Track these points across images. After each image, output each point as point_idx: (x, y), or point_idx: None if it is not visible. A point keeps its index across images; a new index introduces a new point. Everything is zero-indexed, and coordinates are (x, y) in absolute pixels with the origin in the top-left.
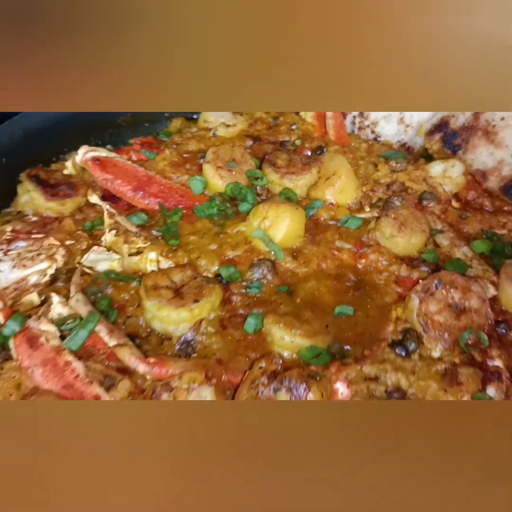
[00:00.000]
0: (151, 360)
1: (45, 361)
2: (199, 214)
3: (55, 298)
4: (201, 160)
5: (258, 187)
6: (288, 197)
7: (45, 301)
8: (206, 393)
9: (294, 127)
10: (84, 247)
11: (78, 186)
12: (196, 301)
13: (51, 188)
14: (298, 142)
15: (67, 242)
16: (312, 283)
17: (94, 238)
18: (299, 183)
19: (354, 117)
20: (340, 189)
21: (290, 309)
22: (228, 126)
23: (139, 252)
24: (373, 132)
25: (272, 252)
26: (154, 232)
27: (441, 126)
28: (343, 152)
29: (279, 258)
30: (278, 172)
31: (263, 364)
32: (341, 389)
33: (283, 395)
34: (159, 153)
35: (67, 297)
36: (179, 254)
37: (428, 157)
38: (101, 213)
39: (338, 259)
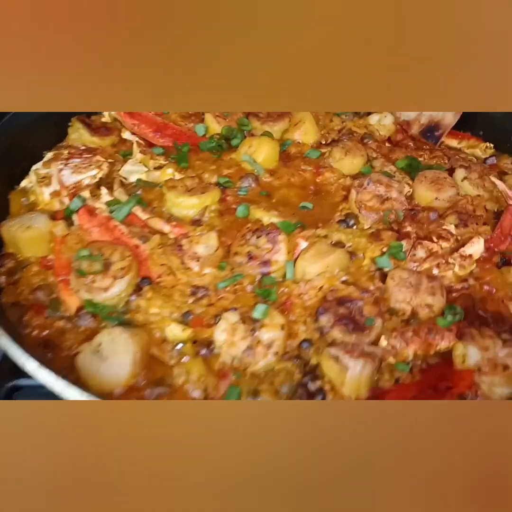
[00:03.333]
0: (174, 223)
1: (100, 224)
2: (202, 148)
3: (104, 190)
4: (203, 116)
5: (245, 132)
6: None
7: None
8: (212, 236)
9: None
10: (119, 167)
11: (113, 129)
12: (203, 192)
13: (94, 129)
14: None
15: (109, 160)
16: (283, 190)
17: (126, 161)
18: (275, 128)
19: None
20: (304, 132)
21: (268, 205)
22: None
23: (160, 167)
24: None
25: (255, 170)
26: (171, 160)
27: None
28: None
29: (260, 173)
30: (260, 120)
31: (249, 225)
32: (302, 243)
33: (262, 239)
34: None
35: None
36: (189, 171)
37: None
38: (130, 147)
39: (303, 176)
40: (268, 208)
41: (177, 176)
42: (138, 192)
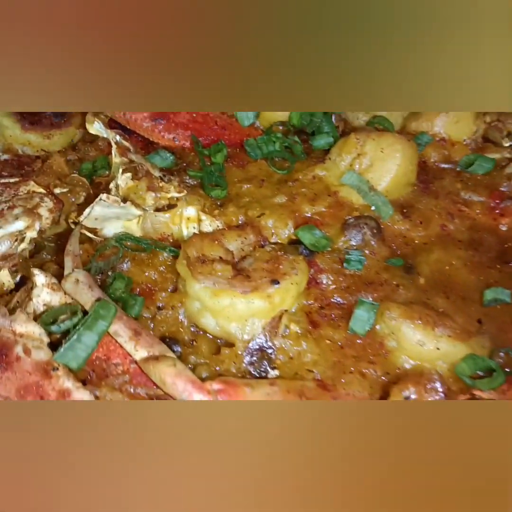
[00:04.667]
0: (214, 385)
1: (26, 388)
2: (253, 152)
3: (40, 278)
4: None
5: (333, 116)
6: (384, 129)
7: (23, 283)
8: None
9: None
10: (81, 200)
11: (70, 113)
12: (275, 281)
13: (31, 114)
14: None
15: (56, 191)
16: (438, 253)
17: (97, 188)
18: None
19: None
20: (455, 118)
21: (414, 295)
22: None
23: (171, 206)
24: None
25: (373, 207)
26: (188, 180)
27: None
28: None
29: (385, 215)
30: None
31: (410, 391)
32: None
33: None
34: None
35: (58, 276)
36: (230, 210)
37: None
38: (105, 150)
39: (469, 217)
40: (426, 314)
41: (206, 222)
42: (124, 266)
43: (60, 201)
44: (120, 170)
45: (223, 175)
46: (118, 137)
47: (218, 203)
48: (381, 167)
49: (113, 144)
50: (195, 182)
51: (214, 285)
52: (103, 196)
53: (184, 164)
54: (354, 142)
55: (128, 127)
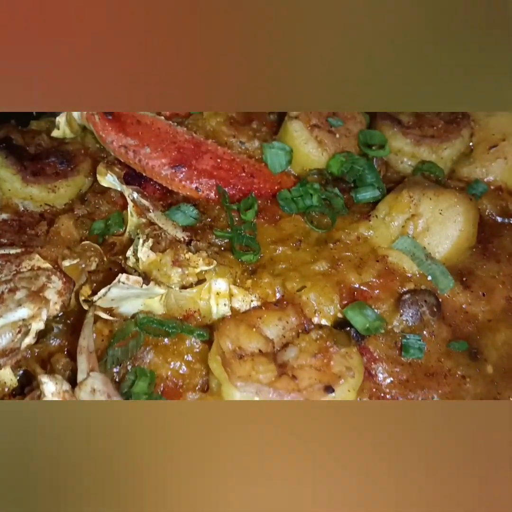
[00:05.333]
0: None
1: None
2: (287, 207)
3: (49, 386)
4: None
5: (376, 163)
6: (434, 178)
7: (27, 380)
8: None
9: None
10: (93, 266)
11: (78, 158)
12: (329, 390)
13: (32, 161)
14: None
15: (65, 263)
16: (505, 333)
17: (110, 249)
18: (444, 154)
19: None
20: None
21: (482, 389)
22: None
23: (199, 282)
24: None
25: (429, 277)
26: (214, 239)
27: None
28: None
29: (445, 287)
30: (409, 135)
31: None
32: None
33: None
34: None
35: (69, 374)
36: (265, 280)
37: None
38: (118, 204)
39: None
40: None
41: (238, 296)
42: (146, 357)
43: (70, 280)
44: (141, 241)
45: (254, 235)
46: (135, 195)
47: (250, 269)
48: (440, 232)
49: (129, 202)
50: (223, 242)
51: (257, 394)
52: (122, 277)
53: (209, 220)
54: (407, 201)
55: (144, 174)
